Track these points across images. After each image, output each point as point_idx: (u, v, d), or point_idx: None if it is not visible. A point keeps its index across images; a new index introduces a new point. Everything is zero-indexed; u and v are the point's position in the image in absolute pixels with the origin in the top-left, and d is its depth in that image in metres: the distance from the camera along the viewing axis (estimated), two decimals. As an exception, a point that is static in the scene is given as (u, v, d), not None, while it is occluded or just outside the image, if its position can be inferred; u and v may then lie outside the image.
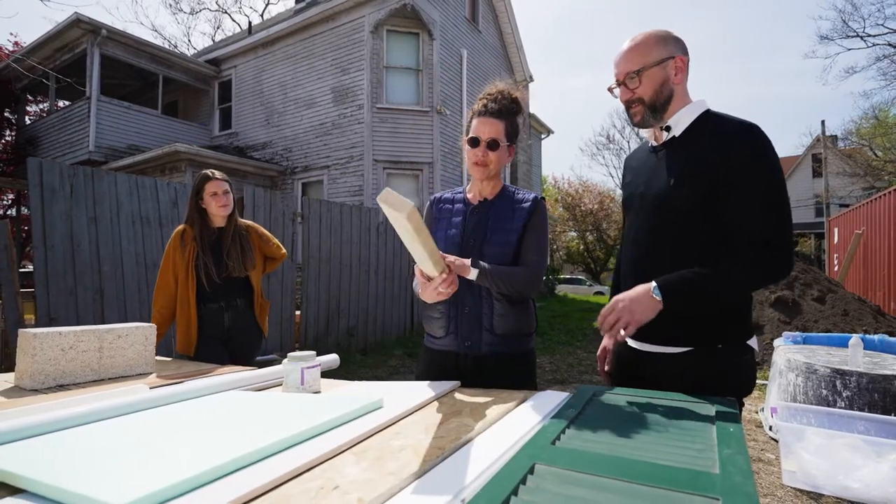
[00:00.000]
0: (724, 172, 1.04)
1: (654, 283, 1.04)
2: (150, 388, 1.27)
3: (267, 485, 0.66)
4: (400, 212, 0.87)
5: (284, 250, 2.46)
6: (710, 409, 0.92)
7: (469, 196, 1.46)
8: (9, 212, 11.77)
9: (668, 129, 1.16)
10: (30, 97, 12.05)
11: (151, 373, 1.61)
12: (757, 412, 3.45)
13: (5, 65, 10.28)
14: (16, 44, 11.67)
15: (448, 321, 1.39)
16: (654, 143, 1.22)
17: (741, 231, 1.05)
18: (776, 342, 3.52)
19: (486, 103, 1.36)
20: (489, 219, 1.40)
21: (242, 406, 1.03)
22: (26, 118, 11.89)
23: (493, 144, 1.34)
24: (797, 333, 3.52)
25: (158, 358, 1.92)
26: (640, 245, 1.20)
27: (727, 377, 1.09)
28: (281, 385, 1.33)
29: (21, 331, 1.43)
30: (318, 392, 1.29)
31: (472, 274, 1.24)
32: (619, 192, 22.02)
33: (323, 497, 0.63)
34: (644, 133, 1.26)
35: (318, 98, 9.33)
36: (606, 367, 1.39)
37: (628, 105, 1.17)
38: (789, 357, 2.90)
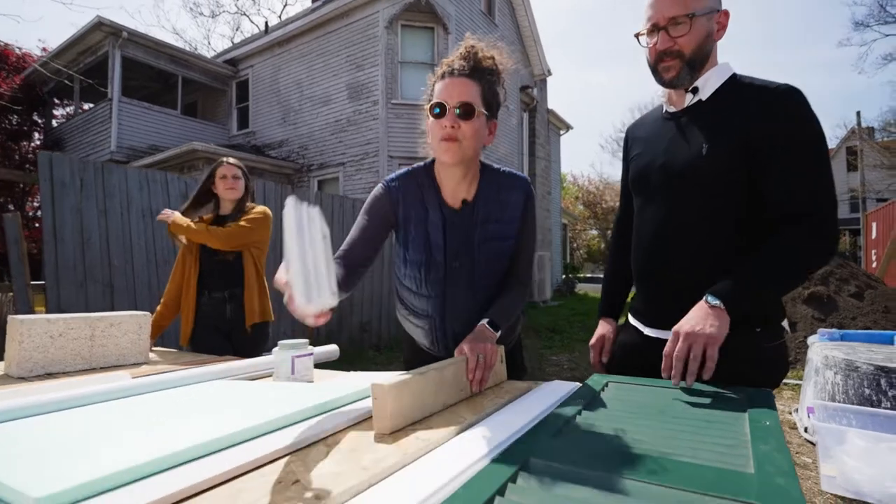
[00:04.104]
0: (762, 138, 0.92)
1: (709, 297, 0.90)
2: (133, 377, 1.20)
3: (218, 477, 0.58)
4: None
5: (253, 218, 2.13)
6: (740, 401, 0.80)
7: (443, 195, 1.12)
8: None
9: (694, 90, 1.02)
10: (56, 100, 12.36)
11: (145, 363, 1.54)
12: (791, 413, 3.25)
13: (32, 69, 10.58)
14: (43, 49, 12.00)
15: (436, 342, 1.22)
16: (672, 109, 1.08)
17: (781, 204, 0.93)
18: (811, 339, 3.31)
19: (451, 62, 1.05)
20: (475, 230, 1.11)
21: (221, 395, 0.95)
22: (53, 121, 12.22)
23: (465, 110, 0.99)
24: (834, 330, 3.30)
25: (159, 348, 1.87)
26: (663, 223, 1.05)
27: (762, 364, 0.97)
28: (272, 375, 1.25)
29: (10, 317, 1.39)
30: (310, 382, 1.21)
31: (497, 334, 1.04)
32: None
33: (278, 492, 0.54)
34: (660, 95, 1.13)
35: (333, 95, 9.32)
36: (603, 359, 1.26)
37: (662, 57, 1.00)
38: (827, 354, 2.71)
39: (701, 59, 1.00)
